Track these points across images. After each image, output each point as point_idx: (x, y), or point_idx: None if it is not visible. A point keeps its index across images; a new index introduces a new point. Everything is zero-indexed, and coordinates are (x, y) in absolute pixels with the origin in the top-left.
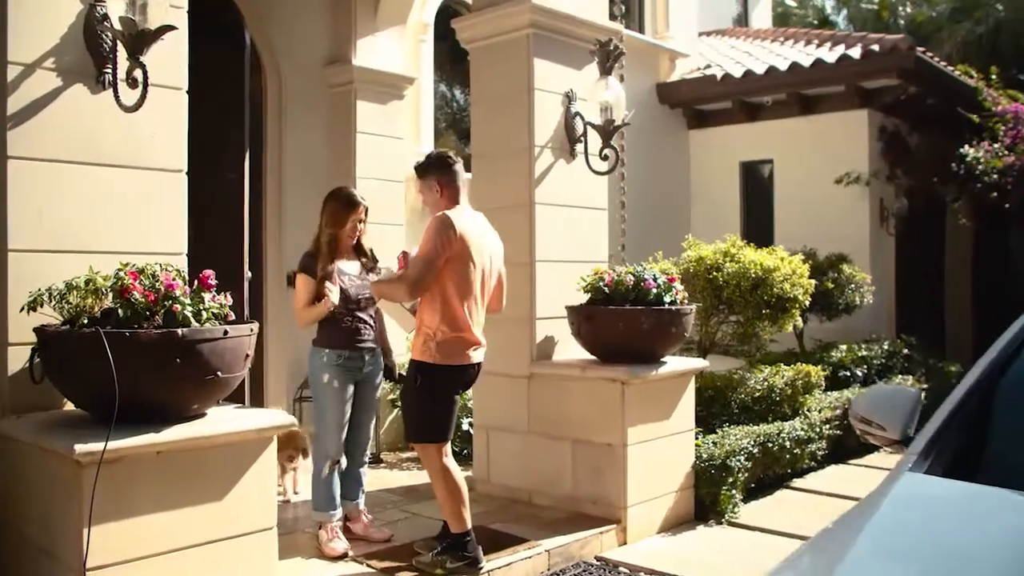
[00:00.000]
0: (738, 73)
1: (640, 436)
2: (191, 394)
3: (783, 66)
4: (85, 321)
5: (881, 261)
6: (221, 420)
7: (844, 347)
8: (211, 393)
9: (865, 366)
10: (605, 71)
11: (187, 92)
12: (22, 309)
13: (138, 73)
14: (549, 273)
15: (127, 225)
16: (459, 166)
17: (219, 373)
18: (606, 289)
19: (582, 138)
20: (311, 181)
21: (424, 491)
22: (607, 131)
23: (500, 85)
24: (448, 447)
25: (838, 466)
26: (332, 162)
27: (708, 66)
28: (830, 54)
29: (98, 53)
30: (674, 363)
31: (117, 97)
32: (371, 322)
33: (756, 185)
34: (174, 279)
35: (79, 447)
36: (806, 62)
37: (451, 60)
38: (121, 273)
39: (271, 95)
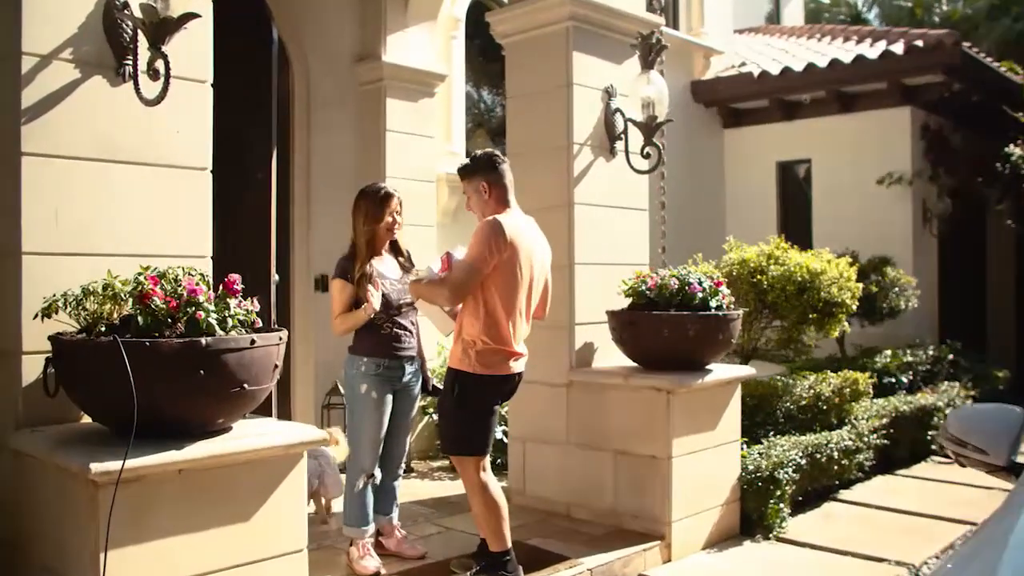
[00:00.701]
0: (775, 70)
1: (685, 448)
2: (215, 408)
3: (822, 63)
4: (103, 329)
5: (923, 264)
6: (247, 435)
7: (888, 352)
8: (237, 407)
9: (910, 372)
10: (647, 65)
11: (213, 87)
12: (36, 316)
13: (160, 64)
14: (589, 276)
15: (148, 226)
16: (507, 166)
17: (245, 385)
18: (649, 293)
19: (622, 135)
20: (340, 181)
21: (458, 503)
22: (649, 128)
23: (537, 81)
24: (487, 461)
25: (885, 477)
26: (361, 162)
27: (743, 64)
28: (871, 50)
29: (118, 43)
30: (720, 371)
31: (138, 90)
32: (411, 328)
33: (793, 186)
34: (197, 284)
35: (95, 466)
36: (846, 59)
37: (480, 59)
38: (141, 277)
39: (298, 92)
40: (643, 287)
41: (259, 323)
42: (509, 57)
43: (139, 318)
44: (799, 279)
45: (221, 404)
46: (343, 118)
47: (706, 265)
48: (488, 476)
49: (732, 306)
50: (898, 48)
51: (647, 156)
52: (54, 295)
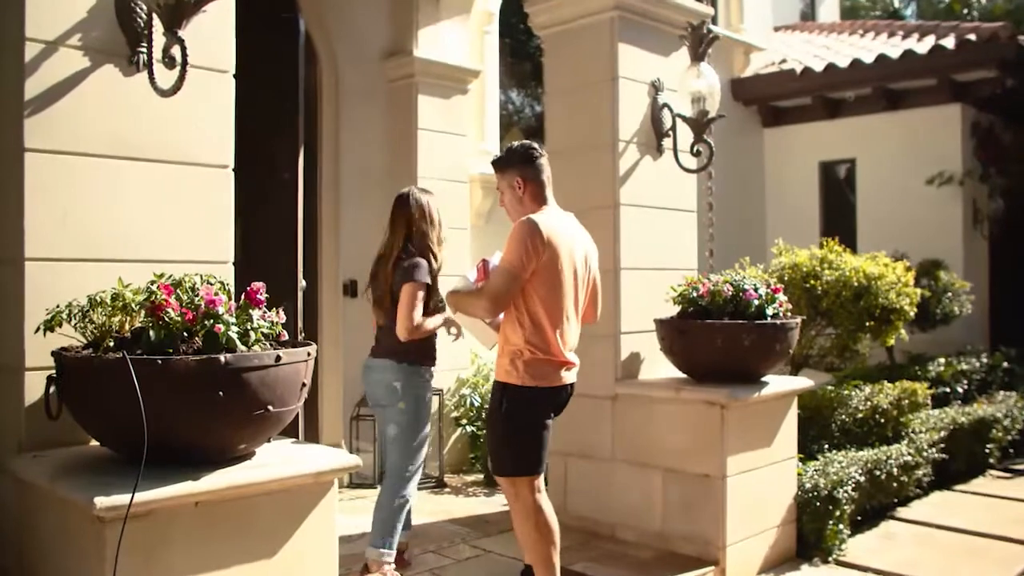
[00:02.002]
0: (818, 67)
1: (740, 466)
2: (236, 432)
3: (867, 59)
4: (111, 344)
5: (974, 266)
6: (272, 462)
7: (942, 361)
8: (260, 431)
9: (965, 381)
10: (697, 57)
11: (237, 83)
12: (37, 330)
13: (176, 50)
14: (635, 282)
15: (164, 230)
16: (545, 159)
17: (270, 407)
18: (701, 301)
19: (670, 132)
20: (369, 181)
21: (496, 521)
22: (700, 124)
23: (579, 75)
24: (541, 481)
25: (942, 493)
26: (391, 161)
27: (783, 61)
28: (919, 45)
29: (131, 28)
30: (776, 383)
31: (152, 79)
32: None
33: (836, 186)
34: (217, 293)
35: (100, 500)
36: (893, 54)
37: (510, 58)
38: (153, 287)
39: (326, 88)
40: (694, 294)
41: (285, 336)
42: (548, 50)
43: (151, 332)
44: (855, 284)
45: (242, 428)
46: (372, 116)
47: (754, 270)
48: (543, 499)
49: (789, 314)
50: (949, 42)
51: (697, 154)
52: (57, 306)
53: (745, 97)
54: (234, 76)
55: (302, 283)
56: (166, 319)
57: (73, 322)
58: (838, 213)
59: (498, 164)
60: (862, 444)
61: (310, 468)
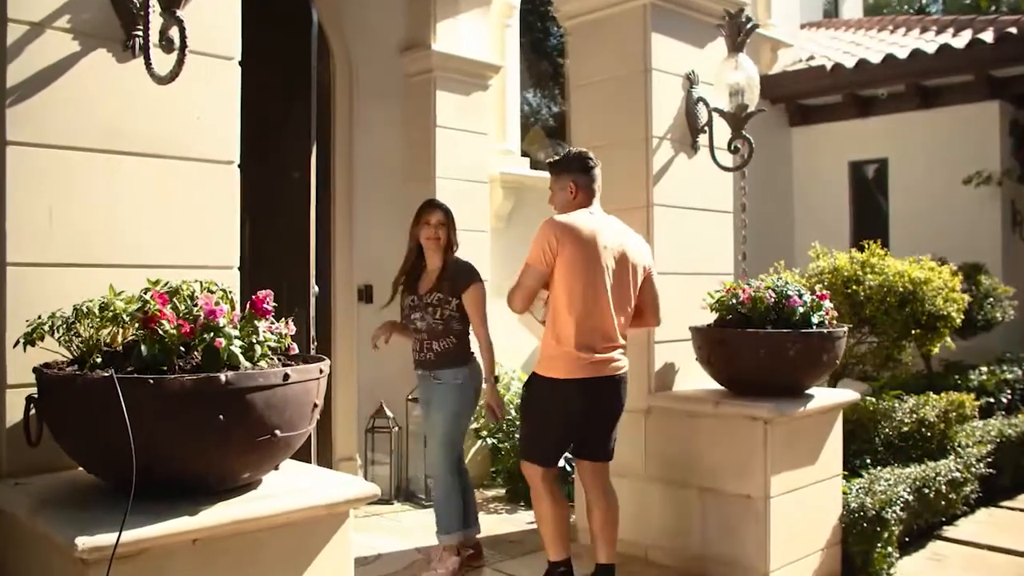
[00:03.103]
0: (849, 63)
1: (784, 485)
2: (238, 460)
3: (901, 54)
4: (98, 360)
5: (1013, 270)
6: (279, 492)
7: (984, 369)
8: (266, 458)
9: (1008, 391)
10: (735, 48)
11: (244, 75)
12: (16, 343)
13: (174, 32)
14: (669, 288)
15: (162, 231)
16: (599, 169)
17: (277, 432)
18: (742, 308)
19: (706, 128)
20: (385, 182)
21: (519, 541)
22: (738, 119)
23: (609, 67)
24: (551, 474)
25: (988, 509)
26: (408, 160)
27: (811, 57)
28: (955, 40)
29: (125, 10)
30: (822, 396)
31: (149, 65)
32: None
33: (867, 187)
34: (217, 302)
35: (83, 541)
36: (928, 49)
37: (529, 54)
38: (146, 295)
39: (339, 84)
40: (733, 300)
41: (295, 349)
42: (575, 42)
43: (142, 347)
44: (901, 289)
45: (246, 455)
46: (388, 112)
47: (790, 274)
48: (552, 487)
49: (835, 322)
50: (987, 36)
51: (735, 151)
52: (39, 317)
53: (772, 95)
54: (242, 68)
55: (315, 288)
56: (161, 332)
57: (57, 335)
58: (869, 215)
59: (556, 166)
60: (907, 459)
61: (322, 499)
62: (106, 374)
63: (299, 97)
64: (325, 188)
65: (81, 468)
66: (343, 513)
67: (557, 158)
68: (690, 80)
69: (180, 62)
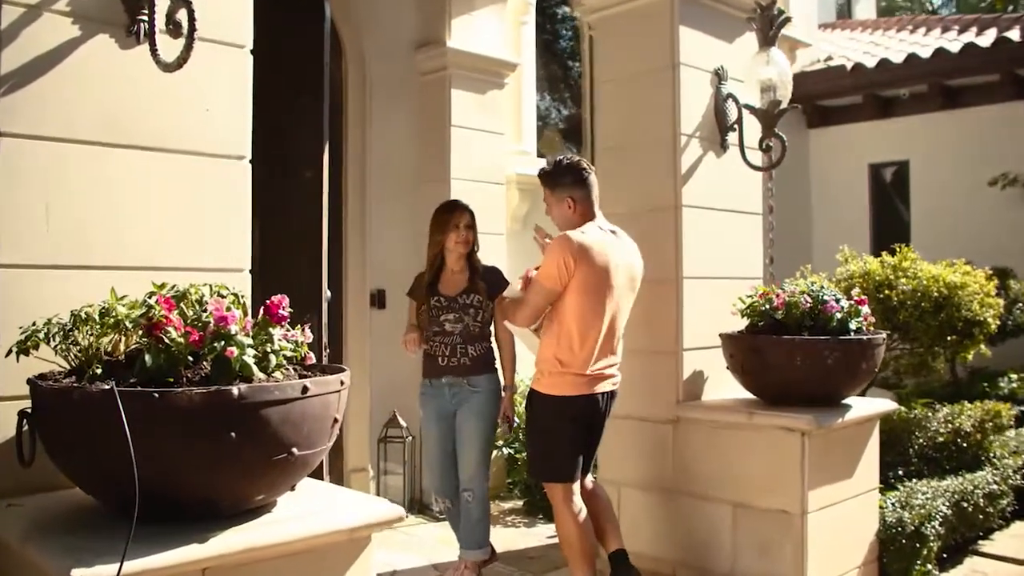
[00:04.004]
0: (870, 63)
1: (822, 500)
2: (252, 482)
3: (923, 53)
4: (98, 371)
5: None
6: (296, 516)
7: (1014, 376)
8: (282, 479)
9: None
10: (767, 42)
11: (256, 69)
12: (9, 352)
13: (182, 15)
14: (699, 293)
15: (168, 231)
16: (593, 176)
17: (294, 450)
18: (775, 314)
19: (735, 125)
20: (399, 182)
21: (539, 557)
22: (770, 115)
23: (635, 62)
24: (575, 488)
25: (1023, 522)
26: (423, 160)
27: (829, 58)
28: (979, 39)
29: None
30: (859, 406)
31: (154, 51)
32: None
33: (888, 189)
34: (229, 308)
35: (79, 573)
36: (952, 48)
37: (539, 56)
38: (151, 300)
39: (352, 81)
40: (766, 306)
41: (311, 359)
42: (599, 36)
43: (147, 356)
44: (936, 294)
45: (260, 477)
46: (402, 111)
47: (817, 277)
48: (576, 504)
49: (872, 328)
50: (1014, 35)
51: (767, 149)
52: (34, 323)
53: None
54: (252, 61)
55: (327, 293)
56: (166, 340)
57: (53, 343)
58: (889, 218)
59: (547, 178)
60: (941, 471)
61: (344, 523)
62: (106, 386)
63: (310, 93)
64: (337, 189)
65: (79, 489)
66: (365, 538)
67: (548, 169)
68: (719, 76)
69: (188, 48)
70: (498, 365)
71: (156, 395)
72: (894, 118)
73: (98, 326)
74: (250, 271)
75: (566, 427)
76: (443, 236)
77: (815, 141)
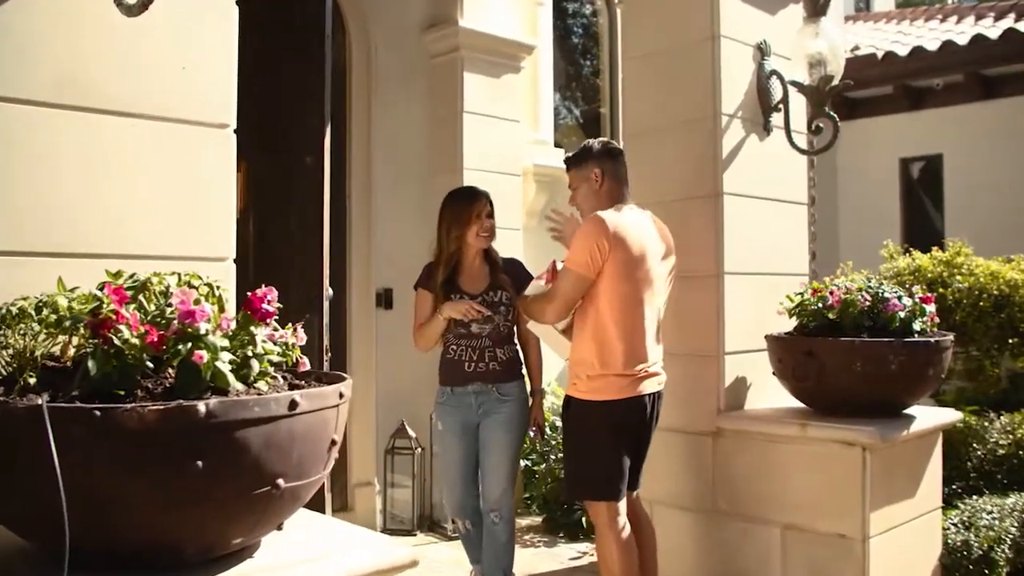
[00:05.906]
0: (902, 52)
1: (884, 523)
2: (227, 523)
3: (960, 41)
4: (31, 380)
5: None
6: (282, 564)
7: None
8: (265, 517)
9: None
10: (816, 12)
11: (254, 42)
12: None
13: None
14: (741, 290)
15: (133, 210)
16: (624, 158)
17: (280, 482)
18: (829, 313)
19: (780, 105)
20: (407, 172)
21: None
22: (821, 93)
23: (669, 34)
24: (621, 507)
25: None
26: (433, 149)
27: (856, 48)
28: (1019, 24)
29: None
30: (922, 417)
31: None
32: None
33: (919, 184)
34: (198, 300)
35: None
36: (991, 35)
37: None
38: (101, 292)
39: (356, 63)
40: (820, 304)
41: (305, 364)
42: (628, 7)
43: (90, 362)
44: (995, 293)
45: (236, 516)
46: (410, 96)
47: (857, 275)
48: (622, 524)
49: (936, 328)
50: None
51: (817, 130)
52: None
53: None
54: (247, 36)
55: (328, 291)
56: (118, 342)
57: None
58: (921, 213)
59: (575, 158)
60: (1001, 486)
61: (343, 571)
62: (36, 402)
63: (311, 76)
64: (340, 179)
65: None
66: None
67: (576, 151)
68: (761, 51)
69: None
70: (523, 370)
71: (97, 412)
72: (926, 110)
73: (34, 323)
74: (245, 267)
75: (609, 436)
76: (464, 230)
77: (842, 134)
